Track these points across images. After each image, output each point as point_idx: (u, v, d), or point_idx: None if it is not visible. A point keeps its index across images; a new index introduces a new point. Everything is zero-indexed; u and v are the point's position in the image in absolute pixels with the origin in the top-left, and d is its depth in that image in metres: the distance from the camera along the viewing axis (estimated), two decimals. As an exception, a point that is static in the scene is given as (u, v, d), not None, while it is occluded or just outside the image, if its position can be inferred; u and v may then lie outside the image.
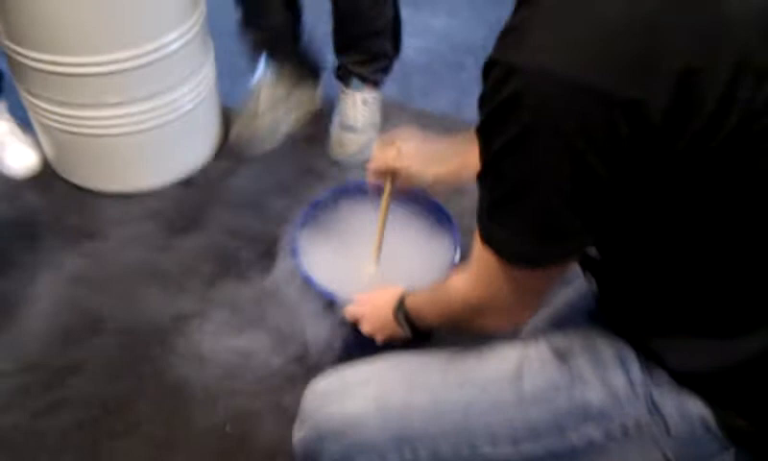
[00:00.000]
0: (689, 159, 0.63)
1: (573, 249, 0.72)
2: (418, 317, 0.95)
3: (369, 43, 1.76)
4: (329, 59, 1.89)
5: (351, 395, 0.86)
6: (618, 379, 0.78)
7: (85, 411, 1.31)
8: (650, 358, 0.78)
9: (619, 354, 0.80)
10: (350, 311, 1.11)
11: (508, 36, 0.66)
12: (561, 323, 0.97)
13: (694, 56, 0.60)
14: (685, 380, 0.76)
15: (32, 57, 1.53)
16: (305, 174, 1.77)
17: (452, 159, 1.12)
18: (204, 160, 1.82)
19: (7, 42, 1.56)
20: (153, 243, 1.63)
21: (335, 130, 1.84)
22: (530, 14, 0.64)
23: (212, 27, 1.77)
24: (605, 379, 0.79)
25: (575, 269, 0.86)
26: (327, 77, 1.97)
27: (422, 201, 1.38)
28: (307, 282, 1.27)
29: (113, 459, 1.25)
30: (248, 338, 1.42)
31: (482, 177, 0.72)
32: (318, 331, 1.37)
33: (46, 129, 1.70)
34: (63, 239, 1.63)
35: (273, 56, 1.87)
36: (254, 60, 1.91)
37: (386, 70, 1.85)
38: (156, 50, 1.55)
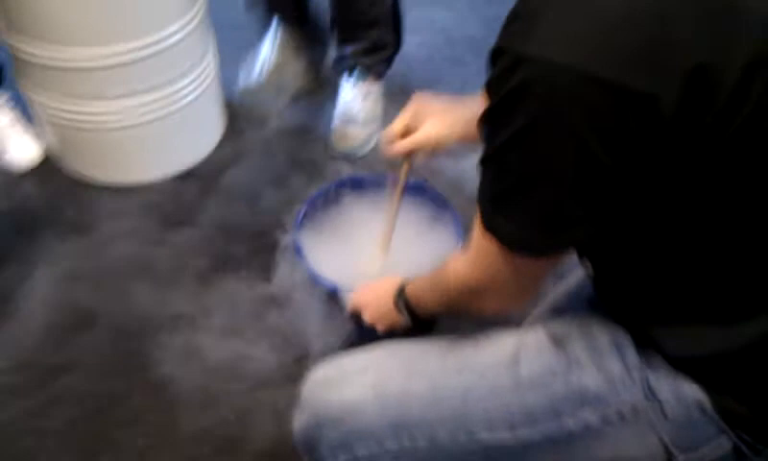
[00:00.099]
0: (696, 152, 0.63)
1: (576, 237, 0.72)
2: (418, 304, 0.95)
3: (369, 32, 1.76)
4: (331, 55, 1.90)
5: (350, 382, 0.87)
6: (614, 365, 0.79)
7: (80, 409, 1.30)
8: (646, 344, 0.78)
9: (616, 340, 0.80)
10: (352, 301, 1.11)
11: (514, 23, 0.66)
12: (560, 312, 0.97)
13: (707, 51, 0.60)
14: (682, 365, 0.76)
15: (33, 49, 1.53)
16: (304, 168, 1.77)
17: (470, 118, 1.08)
18: (206, 152, 1.83)
19: (8, 35, 1.57)
20: (148, 237, 1.62)
21: (337, 123, 1.84)
22: (536, 5, 0.64)
23: (213, 19, 1.77)
24: (601, 365, 0.79)
25: (573, 257, 0.86)
26: (329, 70, 1.98)
27: (422, 191, 1.39)
28: (310, 275, 1.27)
29: (110, 456, 1.24)
30: (243, 336, 1.41)
31: (485, 163, 0.72)
32: (318, 330, 1.37)
33: (47, 121, 1.71)
34: (59, 233, 1.62)
35: (283, 18, 1.91)
36: (265, 24, 1.95)
37: (388, 62, 1.85)
38: (156, 42, 1.55)
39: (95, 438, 1.26)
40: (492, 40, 0.67)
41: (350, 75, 1.83)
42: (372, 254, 1.31)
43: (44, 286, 1.51)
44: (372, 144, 1.84)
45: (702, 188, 0.66)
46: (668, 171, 0.64)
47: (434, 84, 2.05)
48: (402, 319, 0.98)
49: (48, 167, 1.79)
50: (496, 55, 0.66)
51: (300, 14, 1.93)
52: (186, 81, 1.67)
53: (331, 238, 1.38)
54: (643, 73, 0.59)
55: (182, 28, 1.60)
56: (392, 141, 1.12)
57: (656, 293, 0.77)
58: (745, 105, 0.61)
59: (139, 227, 1.64)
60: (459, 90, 2.00)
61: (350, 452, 0.84)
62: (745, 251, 0.70)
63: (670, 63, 0.59)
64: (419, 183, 1.38)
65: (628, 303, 0.80)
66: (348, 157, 1.80)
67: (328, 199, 1.42)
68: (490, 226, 0.73)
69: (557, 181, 0.66)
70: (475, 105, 1.04)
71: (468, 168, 1.58)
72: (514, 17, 0.66)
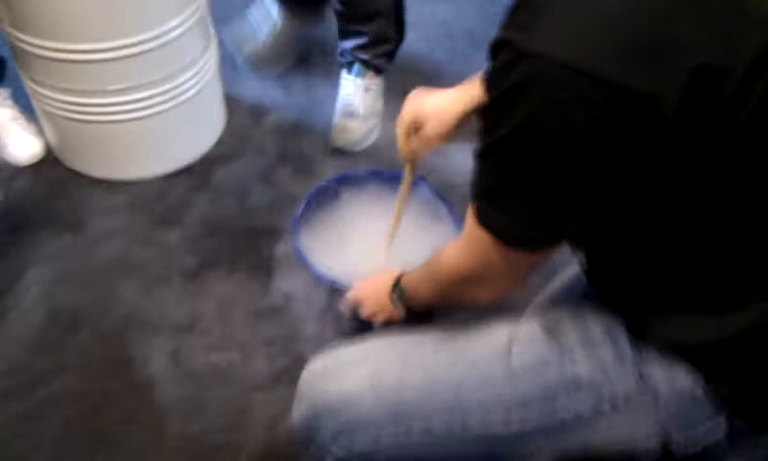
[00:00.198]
0: (698, 147, 0.63)
1: (571, 231, 0.73)
2: (413, 295, 0.96)
3: (369, 24, 1.76)
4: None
5: (347, 373, 0.87)
6: (607, 353, 0.79)
7: (73, 410, 1.29)
8: (640, 333, 0.79)
9: (609, 330, 0.81)
10: (351, 296, 1.12)
11: (517, 14, 0.66)
12: (555, 303, 0.97)
13: (709, 49, 0.60)
14: (675, 354, 0.77)
15: (34, 44, 1.54)
16: (303, 165, 1.77)
17: (467, 110, 1.07)
18: (206, 147, 1.83)
19: (10, 29, 1.57)
20: (141, 235, 1.61)
21: (337, 117, 1.84)
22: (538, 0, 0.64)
23: (214, 13, 1.77)
24: (594, 354, 0.80)
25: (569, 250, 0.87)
26: (330, 65, 1.98)
27: (422, 187, 1.39)
28: (310, 271, 1.27)
29: (104, 457, 1.23)
30: (234, 338, 1.40)
31: (483, 157, 0.72)
32: (312, 332, 1.37)
33: (48, 116, 1.71)
34: (52, 231, 1.61)
35: None
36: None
37: (389, 56, 1.85)
38: (157, 37, 1.56)
39: (89, 439, 1.25)
40: (492, 34, 0.67)
41: (351, 70, 1.83)
42: (373, 249, 1.32)
43: (33, 286, 1.50)
44: (372, 139, 1.84)
45: (700, 181, 0.66)
46: (666, 166, 0.65)
47: (434, 78, 2.05)
48: (398, 311, 0.99)
49: (46, 163, 1.78)
50: (498, 47, 0.66)
51: None
52: (187, 75, 1.67)
53: (330, 235, 1.39)
54: (644, 73, 0.60)
55: (183, 22, 1.60)
56: (400, 148, 1.14)
57: (650, 282, 0.77)
58: (750, 99, 0.61)
59: (132, 224, 1.63)
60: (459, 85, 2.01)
61: (348, 443, 0.85)
62: (738, 241, 0.71)
63: (672, 63, 0.60)
64: (418, 179, 1.38)
65: (622, 292, 0.81)
66: (347, 152, 1.80)
67: (327, 195, 1.43)
68: (484, 220, 0.74)
69: (554, 177, 0.66)
70: (469, 97, 1.05)
71: (460, 164, 1.59)
72: (516, 8, 0.66)
